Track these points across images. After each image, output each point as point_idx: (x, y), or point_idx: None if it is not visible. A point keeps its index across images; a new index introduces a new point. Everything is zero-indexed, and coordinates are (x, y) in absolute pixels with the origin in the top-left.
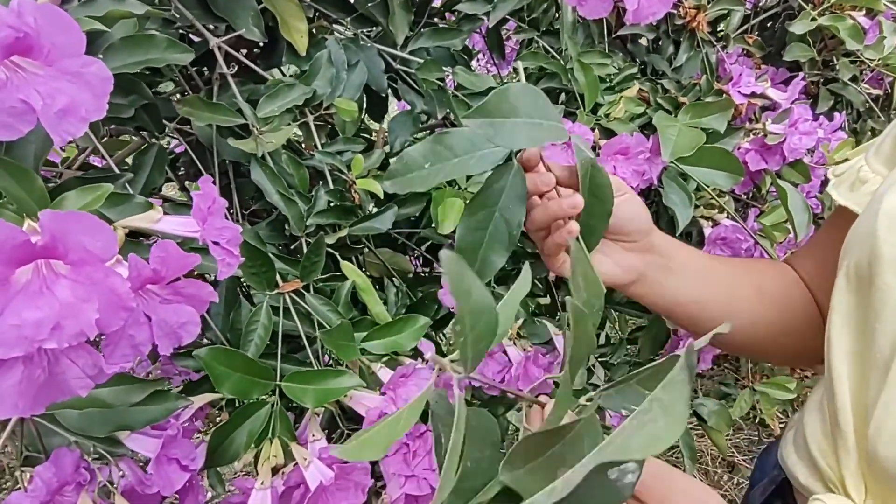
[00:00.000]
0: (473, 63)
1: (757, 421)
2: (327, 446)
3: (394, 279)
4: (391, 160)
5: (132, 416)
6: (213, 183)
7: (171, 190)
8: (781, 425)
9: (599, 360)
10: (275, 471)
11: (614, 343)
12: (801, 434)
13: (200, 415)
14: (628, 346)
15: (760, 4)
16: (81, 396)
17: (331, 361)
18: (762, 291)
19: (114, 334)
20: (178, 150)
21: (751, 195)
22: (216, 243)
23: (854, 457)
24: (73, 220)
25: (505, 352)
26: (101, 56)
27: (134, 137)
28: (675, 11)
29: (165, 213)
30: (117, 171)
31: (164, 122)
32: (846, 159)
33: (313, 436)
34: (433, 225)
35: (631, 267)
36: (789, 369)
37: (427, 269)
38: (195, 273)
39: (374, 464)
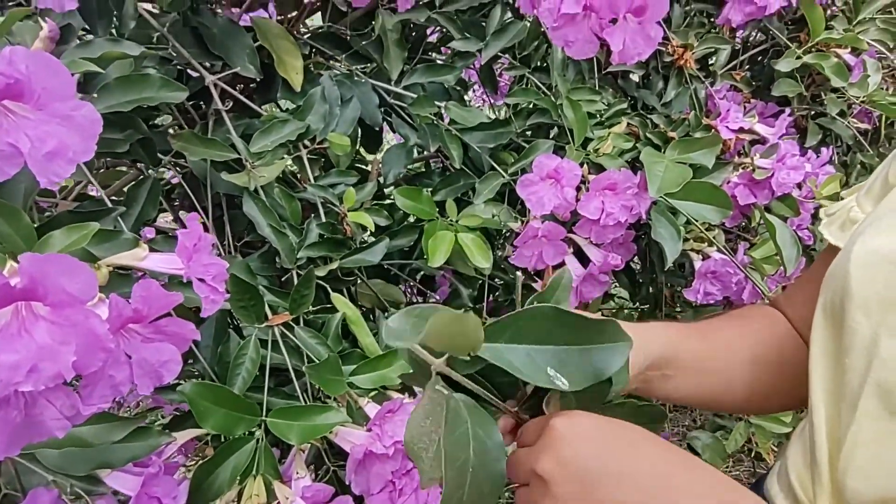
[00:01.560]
0: (469, 93)
1: (753, 455)
2: (311, 485)
3: (386, 310)
4: None
5: (113, 454)
6: (206, 215)
7: (166, 215)
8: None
9: None
10: None
11: None
12: (784, 466)
13: (188, 448)
14: None
15: (750, 41)
16: (58, 438)
17: (320, 395)
18: (756, 363)
19: (92, 375)
20: (173, 181)
21: (741, 228)
22: (201, 280)
23: (827, 489)
24: (53, 262)
25: None
26: (95, 95)
27: (130, 169)
28: (664, 49)
29: (153, 250)
30: (110, 205)
31: (160, 155)
32: (839, 197)
33: (297, 473)
34: (425, 256)
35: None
36: None
37: (420, 300)
38: (190, 308)
39: (359, 500)
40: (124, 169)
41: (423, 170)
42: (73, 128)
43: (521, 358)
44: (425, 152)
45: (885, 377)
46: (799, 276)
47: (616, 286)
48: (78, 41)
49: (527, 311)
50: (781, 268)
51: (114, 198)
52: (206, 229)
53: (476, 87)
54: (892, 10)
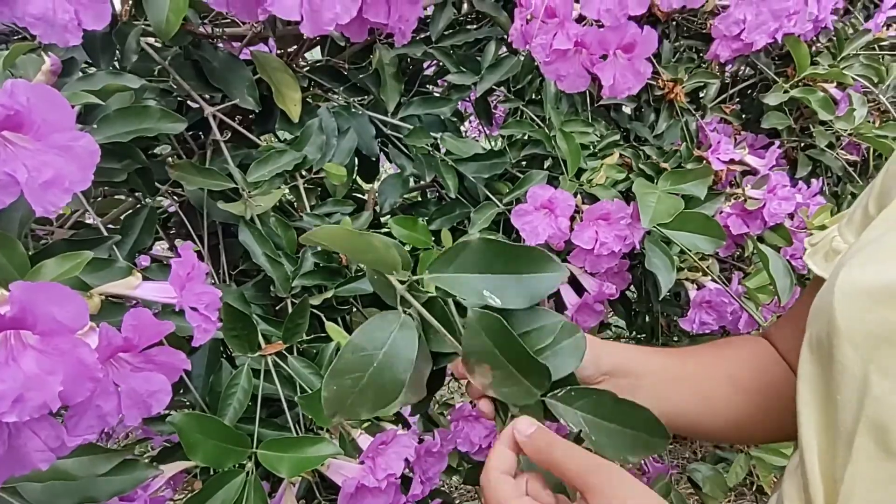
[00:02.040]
0: (466, 125)
1: (755, 489)
2: None
3: None
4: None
5: (98, 488)
6: (202, 243)
7: (162, 243)
8: None
9: None
10: None
11: None
12: (780, 500)
13: (177, 481)
14: None
15: (739, 75)
16: (42, 470)
17: (313, 426)
18: (735, 383)
19: (79, 405)
20: (170, 210)
21: (735, 257)
22: (194, 309)
23: None
24: (43, 291)
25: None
26: (95, 126)
27: (128, 198)
28: (654, 83)
29: (146, 278)
30: (105, 234)
31: (158, 184)
32: (824, 226)
33: None
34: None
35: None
36: None
37: None
38: (183, 337)
39: None
40: (122, 197)
41: (420, 199)
42: (72, 158)
43: (462, 284)
44: (421, 182)
45: (878, 415)
46: (789, 309)
47: (612, 315)
48: (80, 73)
49: (468, 243)
50: (776, 297)
51: (111, 226)
52: (201, 258)
53: (472, 118)
54: (875, 47)
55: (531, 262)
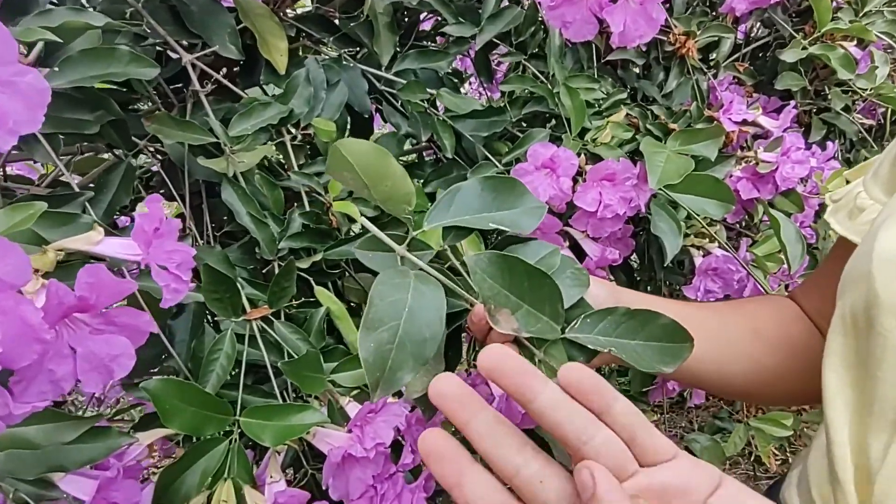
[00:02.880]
0: (466, 87)
1: (753, 458)
2: (285, 489)
3: None
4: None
5: (66, 456)
6: (184, 203)
7: None
8: (778, 462)
9: None
10: None
11: (605, 374)
12: (805, 477)
13: (167, 450)
14: (619, 378)
15: (752, 35)
16: None
17: (302, 393)
18: (758, 335)
19: (27, 369)
20: (154, 169)
21: (743, 224)
22: (163, 268)
23: None
24: None
25: (488, 384)
26: (56, 69)
27: (109, 155)
28: (665, 38)
29: (111, 234)
30: (77, 190)
31: (136, 139)
32: (846, 181)
33: (271, 477)
34: None
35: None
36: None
37: None
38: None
39: None
40: (107, 157)
41: (417, 161)
42: (16, 95)
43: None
44: (417, 143)
45: None
46: (814, 272)
47: (614, 283)
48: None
49: (461, 186)
50: (785, 265)
51: (92, 185)
52: (183, 218)
53: (473, 79)
54: None
55: (522, 193)
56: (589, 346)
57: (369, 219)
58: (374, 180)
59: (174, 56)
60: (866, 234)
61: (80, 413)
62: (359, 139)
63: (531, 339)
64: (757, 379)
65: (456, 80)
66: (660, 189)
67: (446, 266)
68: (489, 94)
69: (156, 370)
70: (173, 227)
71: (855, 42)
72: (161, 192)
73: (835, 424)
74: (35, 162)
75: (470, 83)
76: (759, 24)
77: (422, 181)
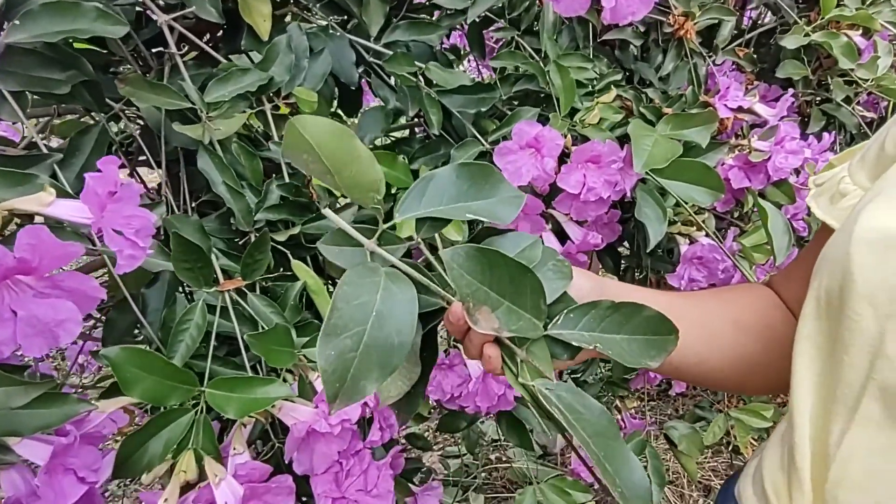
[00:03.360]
0: (465, 64)
1: (731, 448)
2: (247, 462)
3: None
4: None
5: (20, 421)
6: (163, 168)
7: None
8: None
9: (572, 377)
10: (190, 486)
11: (585, 361)
12: (759, 468)
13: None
14: (602, 364)
15: (758, 21)
16: None
17: (277, 368)
18: (738, 324)
19: None
20: (136, 134)
21: (733, 214)
22: (118, 232)
23: (809, 499)
24: None
25: (465, 364)
26: (17, 22)
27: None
28: (664, 18)
29: (63, 195)
30: (45, 151)
31: (112, 103)
32: (831, 165)
33: (235, 449)
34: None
35: None
36: (770, 395)
37: None
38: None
39: (303, 480)
40: (88, 120)
41: (406, 137)
42: None
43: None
44: (405, 118)
45: (890, 379)
46: (794, 258)
47: (602, 270)
48: None
49: (435, 174)
50: (772, 257)
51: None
52: (160, 186)
53: (471, 59)
54: None
55: (499, 182)
56: (573, 343)
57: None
58: (338, 165)
59: (154, 18)
60: (846, 217)
61: (63, 380)
62: (318, 117)
63: (512, 339)
64: (737, 369)
65: (453, 57)
66: (647, 174)
67: (421, 260)
68: (488, 71)
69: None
70: (133, 191)
71: (860, 31)
72: (140, 158)
73: (798, 408)
74: (14, 123)
75: (469, 61)
76: (766, 9)
77: (408, 157)
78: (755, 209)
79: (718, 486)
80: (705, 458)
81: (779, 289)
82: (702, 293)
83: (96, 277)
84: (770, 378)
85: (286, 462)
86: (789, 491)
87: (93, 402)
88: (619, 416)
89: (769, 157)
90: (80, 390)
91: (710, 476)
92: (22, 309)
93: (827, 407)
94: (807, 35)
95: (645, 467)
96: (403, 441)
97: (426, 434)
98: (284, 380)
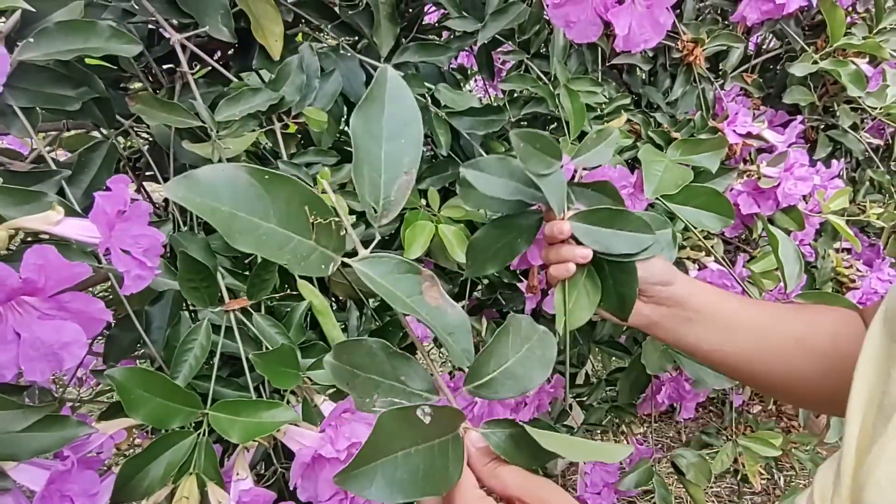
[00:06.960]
0: (472, 84)
1: (739, 477)
2: (251, 488)
3: (360, 301)
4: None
5: (18, 445)
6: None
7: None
8: (763, 481)
9: (577, 399)
10: None
11: (593, 383)
12: (811, 490)
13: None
14: (608, 388)
15: (763, 46)
16: None
17: (280, 390)
18: (800, 342)
19: None
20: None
21: (742, 239)
22: (126, 252)
23: (846, 501)
24: None
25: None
26: (31, 40)
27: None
28: (673, 44)
29: (72, 214)
30: (54, 168)
31: (122, 119)
32: (844, 210)
33: (238, 474)
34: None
35: (640, 314)
36: (775, 421)
37: None
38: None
39: None
40: (97, 135)
41: None
42: None
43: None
44: None
45: None
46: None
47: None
48: None
49: None
50: (781, 284)
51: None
52: (166, 202)
53: (477, 78)
54: None
55: None
56: None
57: (359, 214)
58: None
59: (167, 35)
60: None
61: (59, 395)
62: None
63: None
64: (790, 382)
65: (460, 77)
66: (657, 199)
67: None
68: (495, 92)
69: (140, 357)
70: (142, 210)
71: (867, 59)
72: (148, 174)
73: (851, 419)
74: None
75: (475, 81)
76: (770, 35)
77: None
78: (764, 235)
79: None
80: (709, 483)
81: (867, 319)
82: (781, 305)
83: (98, 292)
84: (824, 398)
85: (290, 488)
86: (832, 497)
87: (93, 425)
88: (625, 441)
89: (778, 184)
90: (78, 403)
91: (713, 502)
92: (25, 331)
93: (872, 416)
94: (815, 62)
95: (652, 496)
96: None
97: None
98: (288, 402)
